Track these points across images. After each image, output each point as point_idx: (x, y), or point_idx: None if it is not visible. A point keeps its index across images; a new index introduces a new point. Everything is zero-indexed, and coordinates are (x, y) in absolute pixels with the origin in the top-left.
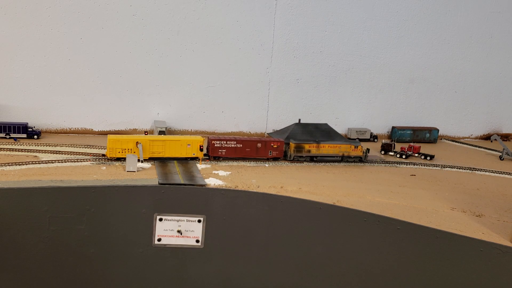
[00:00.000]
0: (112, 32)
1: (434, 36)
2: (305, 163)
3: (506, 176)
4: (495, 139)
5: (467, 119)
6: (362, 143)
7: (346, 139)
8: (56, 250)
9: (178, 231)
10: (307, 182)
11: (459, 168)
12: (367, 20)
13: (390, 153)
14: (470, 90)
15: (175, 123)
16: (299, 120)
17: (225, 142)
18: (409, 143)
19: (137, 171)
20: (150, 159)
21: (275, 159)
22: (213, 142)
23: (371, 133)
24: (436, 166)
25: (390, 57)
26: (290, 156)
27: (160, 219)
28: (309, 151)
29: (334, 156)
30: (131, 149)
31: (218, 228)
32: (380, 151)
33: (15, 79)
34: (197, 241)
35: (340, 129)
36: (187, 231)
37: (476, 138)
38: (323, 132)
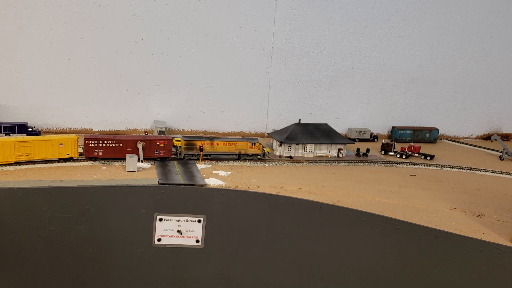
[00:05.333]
0: (112, 32)
1: (434, 36)
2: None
3: (506, 176)
4: (495, 139)
5: (467, 119)
6: (363, 143)
7: (344, 138)
8: (56, 250)
9: (178, 231)
10: (307, 182)
11: (459, 168)
12: (367, 20)
13: (390, 153)
14: (470, 90)
15: (175, 123)
16: (299, 120)
17: (101, 141)
18: (409, 143)
19: (137, 171)
20: (17, 164)
21: (162, 159)
22: (87, 141)
23: (371, 133)
24: (436, 166)
25: (390, 57)
26: (180, 154)
27: (160, 219)
28: (201, 149)
29: (230, 154)
30: None
31: (218, 228)
32: (380, 151)
33: (15, 79)
34: (197, 241)
35: (340, 129)
36: (187, 231)
37: (476, 138)
38: (323, 132)
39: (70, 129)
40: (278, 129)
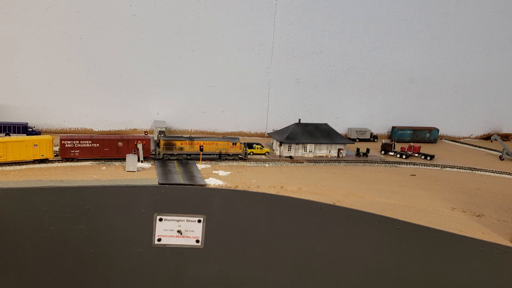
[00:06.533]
0: (112, 32)
1: (434, 36)
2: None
3: (506, 176)
4: (495, 139)
5: (467, 119)
6: (363, 143)
7: (344, 138)
8: (56, 250)
9: (178, 231)
10: (307, 182)
11: (459, 168)
12: (367, 20)
13: (390, 153)
14: (470, 90)
15: (175, 123)
16: (299, 120)
17: (78, 142)
18: (409, 143)
19: (137, 171)
20: None
21: None
22: (63, 142)
23: (371, 133)
24: (436, 166)
25: (390, 57)
26: (159, 154)
27: (160, 219)
28: (181, 148)
29: (210, 154)
30: None
31: (218, 228)
32: (380, 151)
33: (15, 79)
34: (197, 241)
35: (340, 129)
36: (187, 231)
37: (476, 138)
38: (323, 132)
39: (70, 129)
40: (278, 129)
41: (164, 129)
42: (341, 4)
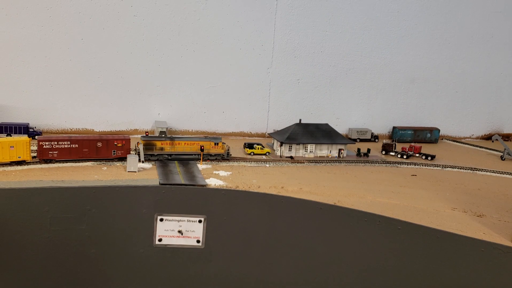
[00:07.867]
0: (113, 33)
1: (435, 36)
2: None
3: (507, 176)
4: (496, 139)
5: (468, 119)
6: (364, 143)
7: (345, 138)
8: (57, 250)
9: (179, 231)
10: (308, 182)
11: (460, 168)
12: (367, 20)
13: (391, 153)
14: (471, 90)
15: (176, 123)
16: (300, 120)
17: (56, 142)
18: (410, 143)
19: (138, 171)
20: None
21: (120, 159)
22: (41, 143)
23: (372, 133)
24: (437, 166)
25: (391, 57)
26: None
27: (161, 219)
28: (162, 149)
29: (192, 154)
30: None
31: (218, 228)
32: (381, 151)
33: (16, 79)
34: (198, 241)
35: (341, 129)
36: (188, 231)
37: (477, 138)
38: (323, 132)
39: (71, 129)
40: (279, 129)
41: (165, 130)
42: (342, 4)
